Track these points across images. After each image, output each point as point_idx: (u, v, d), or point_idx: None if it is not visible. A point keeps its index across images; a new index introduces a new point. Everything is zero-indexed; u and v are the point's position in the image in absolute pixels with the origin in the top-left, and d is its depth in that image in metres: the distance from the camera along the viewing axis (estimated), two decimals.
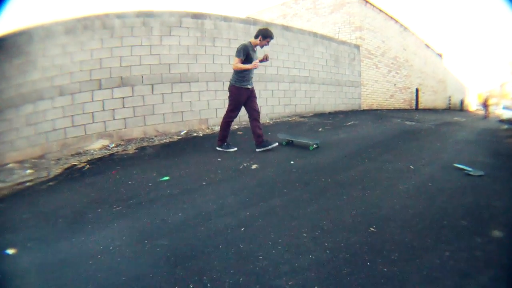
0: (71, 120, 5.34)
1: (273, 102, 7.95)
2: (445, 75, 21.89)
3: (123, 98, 5.76)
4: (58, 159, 4.91)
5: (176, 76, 6.35)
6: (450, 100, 22.26)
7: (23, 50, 5.06)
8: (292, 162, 4.52)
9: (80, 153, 5.17)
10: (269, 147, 4.92)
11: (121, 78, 5.74)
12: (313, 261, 2.14)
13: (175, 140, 5.84)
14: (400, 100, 14.76)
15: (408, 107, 15.29)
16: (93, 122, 5.50)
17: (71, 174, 4.24)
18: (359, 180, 3.86)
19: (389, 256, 2.26)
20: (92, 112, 5.50)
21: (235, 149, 4.96)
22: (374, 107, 12.52)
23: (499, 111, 17.24)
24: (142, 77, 5.96)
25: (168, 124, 6.29)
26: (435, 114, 14.05)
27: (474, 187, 3.82)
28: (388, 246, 2.39)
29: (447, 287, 1.96)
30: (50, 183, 3.96)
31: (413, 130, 8.04)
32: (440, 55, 21.82)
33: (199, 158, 4.65)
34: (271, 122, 7.73)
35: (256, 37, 4.70)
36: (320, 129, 7.22)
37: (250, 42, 4.69)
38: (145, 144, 5.53)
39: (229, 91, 4.73)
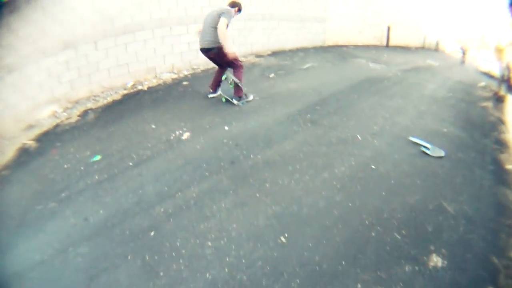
0: (22, 94, 4.82)
1: None
2: (421, 15, 20.80)
3: (67, 61, 5.28)
4: (12, 138, 4.38)
5: (120, 28, 5.86)
6: (425, 39, 21.51)
7: None
8: (226, 128, 4.30)
9: (31, 126, 4.69)
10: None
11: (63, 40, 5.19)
12: (209, 283, 2.13)
13: (119, 98, 5.57)
14: (370, 36, 14.20)
15: (379, 43, 14.71)
16: (41, 91, 5.06)
17: (21, 158, 3.92)
18: (292, 157, 3.62)
19: (289, 282, 2.11)
20: (39, 82, 5.04)
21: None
22: (340, 43, 12.06)
23: (479, 61, 15.67)
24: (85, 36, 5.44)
25: (114, 78, 5.96)
26: (406, 54, 13.26)
27: (426, 177, 3.32)
28: (292, 266, 2.23)
29: None
30: (4, 173, 3.60)
31: (375, 78, 7.48)
32: None
33: (134, 125, 4.47)
34: None
35: (233, 7, 4.94)
36: (272, 75, 6.77)
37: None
38: (89, 105, 5.26)
39: (221, 54, 4.78)
